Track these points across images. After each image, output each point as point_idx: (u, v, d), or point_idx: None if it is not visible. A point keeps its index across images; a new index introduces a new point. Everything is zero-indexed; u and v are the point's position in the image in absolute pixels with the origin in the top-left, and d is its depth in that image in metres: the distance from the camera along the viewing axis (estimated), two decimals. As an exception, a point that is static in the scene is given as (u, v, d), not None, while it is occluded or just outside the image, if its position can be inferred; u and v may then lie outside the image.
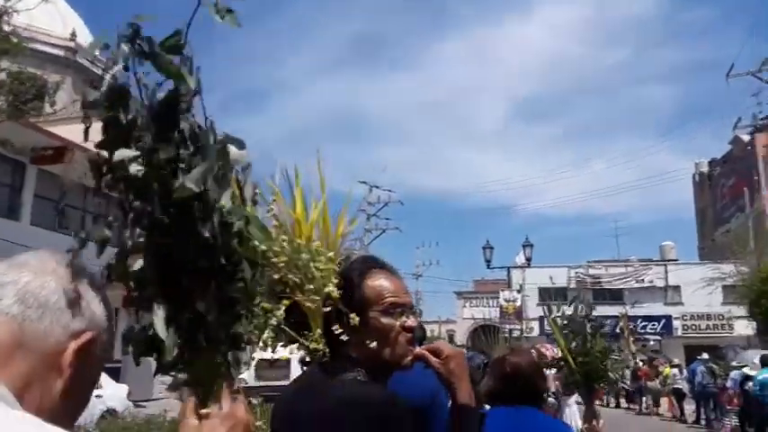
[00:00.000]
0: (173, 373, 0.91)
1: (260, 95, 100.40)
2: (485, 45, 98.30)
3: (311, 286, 1.32)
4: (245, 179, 0.98)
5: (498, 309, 24.51)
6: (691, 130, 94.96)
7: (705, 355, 17.58)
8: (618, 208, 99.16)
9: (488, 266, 23.75)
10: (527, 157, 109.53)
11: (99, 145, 0.85)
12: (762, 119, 19.81)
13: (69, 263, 0.82)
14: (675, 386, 18.12)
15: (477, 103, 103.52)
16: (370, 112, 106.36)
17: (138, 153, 0.84)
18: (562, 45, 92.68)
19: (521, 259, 28.99)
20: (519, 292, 25.28)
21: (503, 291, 23.56)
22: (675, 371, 18.45)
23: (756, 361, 10.53)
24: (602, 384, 3.40)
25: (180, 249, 0.86)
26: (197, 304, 0.87)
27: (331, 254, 1.38)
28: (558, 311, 3.51)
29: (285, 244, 1.34)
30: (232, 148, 0.90)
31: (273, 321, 1.23)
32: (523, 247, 24.14)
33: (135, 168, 0.83)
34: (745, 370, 11.12)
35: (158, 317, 0.85)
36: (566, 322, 3.44)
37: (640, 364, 20.28)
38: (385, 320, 1.39)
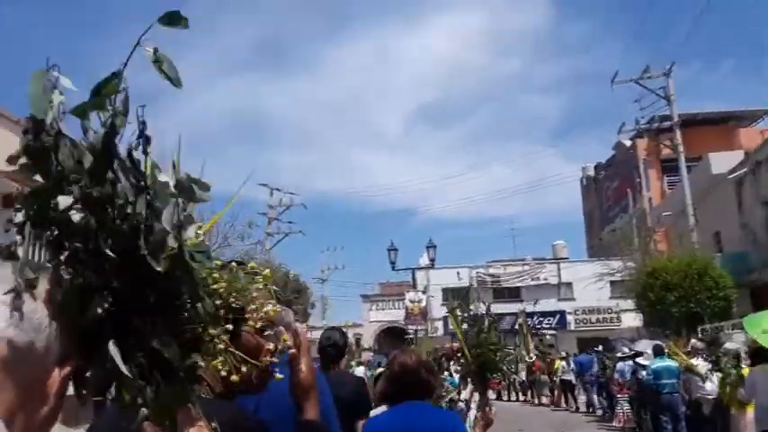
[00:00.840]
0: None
1: (156, 96, 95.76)
2: (385, 51, 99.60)
3: (253, 306, 1.33)
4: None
5: (404, 310, 24.65)
6: (578, 137, 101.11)
7: (600, 347, 18.61)
8: (513, 211, 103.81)
9: (393, 268, 23.88)
10: (427, 161, 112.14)
11: (32, 193, 0.81)
12: (644, 124, 21.32)
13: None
14: (563, 377, 19.05)
15: (377, 107, 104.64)
16: (273, 116, 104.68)
17: (73, 199, 0.80)
18: (460, 53, 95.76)
19: (425, 261, 29.48)
20: (424, 292, 25.61)
21: (408, 292, 23.71)
22: (564, 363, 19.27)
23: (649, 351, 11.06)
24: (494, 375, 3.68)
25: (129, 287, 0.85)
26: (152, 341, 0.86)
27: (267, 271, 1.38)
28: (460, 311, 3.74)
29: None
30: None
31: (221, 346, 1.12)
32: (427, 248, 24.44)
33: (77, 217, 0.81)
34: (640, 360, 11.68)
35: (115, 354, 0.82)
36: (466, 318, 3.69)
37: (534, 358, 21.16)
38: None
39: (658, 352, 10.62)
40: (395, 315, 34.03)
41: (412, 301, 22.95)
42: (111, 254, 0.81)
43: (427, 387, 2.66)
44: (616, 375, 13.76)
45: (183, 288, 0.89)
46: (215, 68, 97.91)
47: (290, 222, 27.96)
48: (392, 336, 32.57)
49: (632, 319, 25.48)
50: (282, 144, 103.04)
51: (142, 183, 0.85)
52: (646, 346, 11.95)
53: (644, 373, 11.09)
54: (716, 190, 21.32)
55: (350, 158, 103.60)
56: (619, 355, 14.09)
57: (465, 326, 3.65)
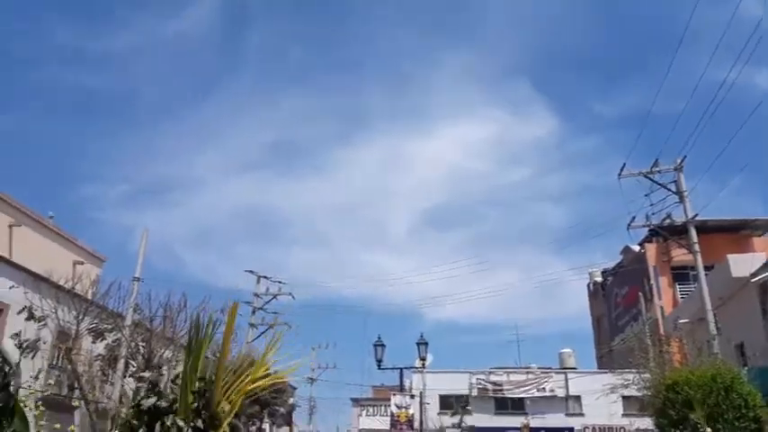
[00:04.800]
0: None
1: (168, 191, 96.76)
2: (395, 156, 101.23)
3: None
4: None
5: (389, 417, 22.04)
6: (583, 247, 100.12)
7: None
8: (518, 319, 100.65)
9: (379, 366, 21.21)
10: (432, 265, 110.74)
11: None
12: (656, 222, 19.86)
13: None
14: None
15: (385, 209, 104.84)
16: (282, 215, 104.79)
17: None
18: (468, 161, 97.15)
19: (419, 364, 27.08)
20: (412, 397, 23.07)
21: (394, 395, 20.97)
22: None
23: None
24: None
25: None
26: None
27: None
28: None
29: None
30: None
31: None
32: (418, 345, 21.70)
33: None
34: None
35: None
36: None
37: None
38: None
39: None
40: (387, 422, 31.22)
41: (398, 407, 20.31)
42: None
43: None
44: None
45: None
46: (229, 165, 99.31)
47: (276, 313, 26.15)
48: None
49: (649, 440, 22.72)
50: (290, 243, 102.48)
51: None
52: None
53: None
54: (738, 295, 19.50)
55: (356, 260, 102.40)
56: None
57: None
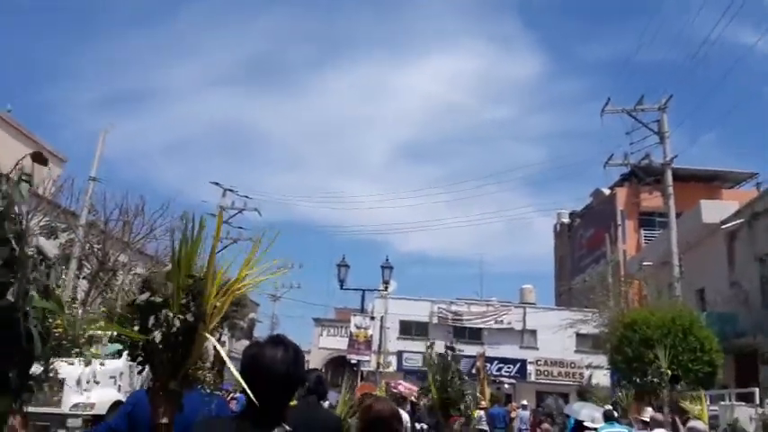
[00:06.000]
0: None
1: (143, 99, 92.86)
2: (373, 84, 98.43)
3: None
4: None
5: (347, 337, 21.87)
6: (556, 187, 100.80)
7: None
8: (485, 255, 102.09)
9: (341, 287, 20.91)
10: (405, 195, 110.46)
11: None
12: (635, 163, 19.51)
13: None
14: (479, 427, 17.69)
15: (362, 137, 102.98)
16: (257, 134, 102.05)
17: None
18: (450, 94, 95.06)
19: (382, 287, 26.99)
20: (372, 318, 22.96)
21: (354, 316, 20.73)
22: (482, 413, 17.99)
23: (598, 415, 10.04)
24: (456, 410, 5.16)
25: None
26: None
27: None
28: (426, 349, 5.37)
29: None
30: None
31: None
32: (382, 268, 21.41)
33: None
34: (587, 423, 10.16)
35: None
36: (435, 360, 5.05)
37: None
38: None
39: (609, 417, 9.58)
40: (346, 342, 31.52)
41: (357, 327, 20.15)
42: None
43: None
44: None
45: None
46: (202, 79, 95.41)
47: (241, 228, 25.53)
48: (340, 367, 29.92)
49: (601, 377, 23.29)
50: (265, 162, 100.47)
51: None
52: (589, 412, 10.42)
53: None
54: (705, 242, 19.56)
55: (330, 185, 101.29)
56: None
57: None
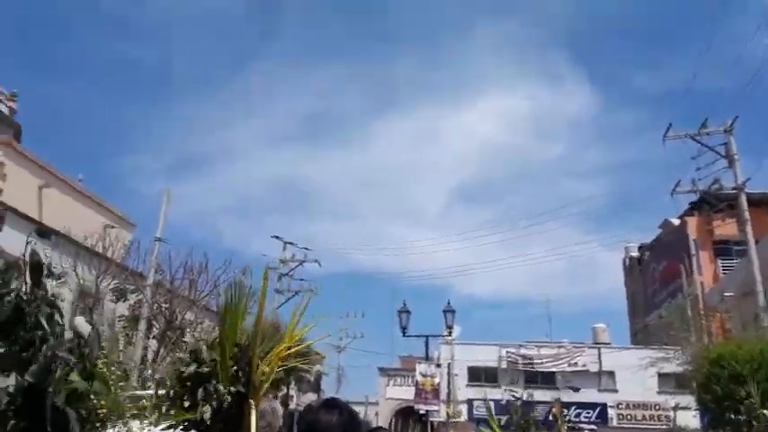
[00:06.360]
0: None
1: (207, 162, 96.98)
2: (427, 129, 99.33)
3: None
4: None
5: (414, 387, 21.22)
6: (618, 221, 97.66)
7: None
8: (551, 295, 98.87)
9: (404, 334, 20.44)
10: (462, 237, 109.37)
11: None
12: (703, 187, 18.61)
13: None
14: None
15: (416, 182, 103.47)
16: (314, 187, 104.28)
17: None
18: (502, 135, 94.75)
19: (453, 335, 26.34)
20: (438, 366, 22.27)
21: (419, 364, 20.10)
22: None
23: None
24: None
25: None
26: None
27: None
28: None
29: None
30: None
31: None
32: (444, 313, 20.79)
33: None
34: None
35: None
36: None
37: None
38: None
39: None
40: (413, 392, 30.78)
41: (423, 375, 19.53)
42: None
43: None
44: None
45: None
46: (262, 137, 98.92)
47: (302, 280, 25.75)
48: (408, 417, 29.16)
49: (690, 418, 21.70)
50: (322, 215, 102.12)
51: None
52: None
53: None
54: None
55: (386, 232, 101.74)
56: None
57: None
